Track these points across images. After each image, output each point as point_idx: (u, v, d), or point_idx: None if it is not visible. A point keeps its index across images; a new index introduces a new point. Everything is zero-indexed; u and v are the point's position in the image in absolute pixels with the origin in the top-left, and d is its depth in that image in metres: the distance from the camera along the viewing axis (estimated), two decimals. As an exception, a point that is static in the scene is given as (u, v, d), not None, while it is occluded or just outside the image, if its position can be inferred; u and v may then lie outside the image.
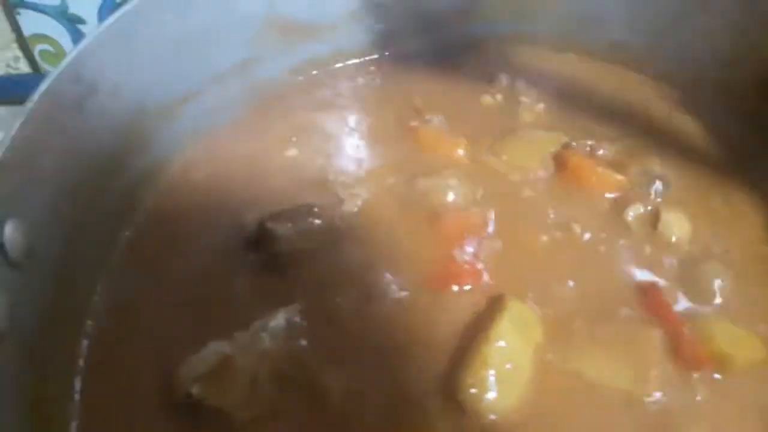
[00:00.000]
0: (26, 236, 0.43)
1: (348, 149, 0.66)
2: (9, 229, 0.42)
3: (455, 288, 0.55)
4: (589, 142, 0.65)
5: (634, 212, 0.60)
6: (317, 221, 0.58)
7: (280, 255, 0.56)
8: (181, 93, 0.61)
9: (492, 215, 0.59)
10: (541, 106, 0.69)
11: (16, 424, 0.43)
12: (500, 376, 0.49)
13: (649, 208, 0.61)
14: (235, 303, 0.55)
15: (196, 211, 0.60)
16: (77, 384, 0.51)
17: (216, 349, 0.49)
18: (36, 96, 0.44)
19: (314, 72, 0.72)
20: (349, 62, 0.73)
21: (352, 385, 0.50)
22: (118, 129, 0.54)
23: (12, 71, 1.04)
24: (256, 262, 0.57)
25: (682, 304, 0.55)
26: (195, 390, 0.47)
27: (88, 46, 0.48)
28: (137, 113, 0.56)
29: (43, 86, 0.45)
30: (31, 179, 0.44)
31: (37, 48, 1.00)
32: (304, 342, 0.52)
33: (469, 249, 0.56)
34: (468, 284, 0.55)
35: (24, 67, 1.05)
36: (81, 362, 0.52)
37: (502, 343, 0.50)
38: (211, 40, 0.60)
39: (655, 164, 0.64)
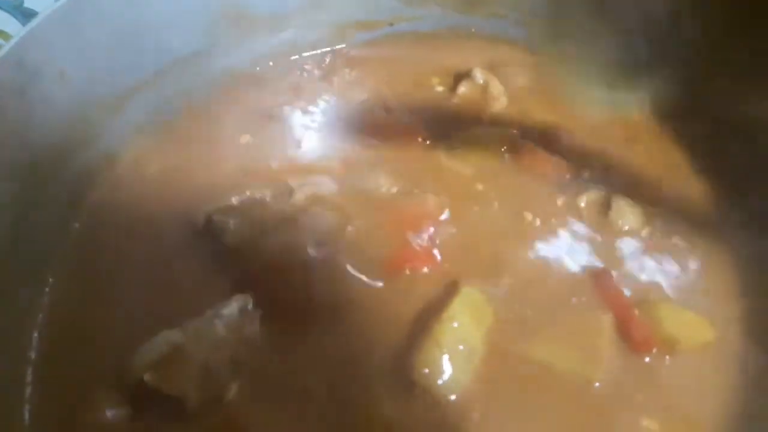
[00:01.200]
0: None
1: (302, 140, 0.66)
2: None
3: (409, 272, 0.55)
4: (543, 132, 0.66)
5: (586, 199, 0.61)
6: (266, 212, 0.58)
7: (230, 246, 0.56)
8: (132, 82, 0.60)
9: (447, 203, 0.59)
10: (503, 100, 0.70)
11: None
12: (453, 357, 0.49)
13: (602, 194, 0.62)
14: (188, 293, 0.54)
15: (147, 203, 0.59)
16: (29, 374, 0.50)
17: (168, 337, 0.49)
18: (-26, 82, 0.43)
19: (270, 63, 0.71)
20: (308, 53, 0.73)
21: (304, 370, 0.50)
22: (65, 118, 0.53)
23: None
24: (207, 253, 0.56)
25: (632, 289, 0.56)
26: (147, 377, 0.47)
27: (33, 30, 0.47)
28: (85, 102, 0.55)
29: (-19, 71, 0.44)
30: (-31, 165, 0.43)
31: (-9, 43, 0.98)
32: (257, 329, 0.52)
33: (425, 235, 0.57)
34: (422, 268, 0.55)
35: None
36: (33, 354, 0.51)
37: (454, 324, 0.50)
38: (165, 29, 0.60)
39: (607, 151, 0.65)
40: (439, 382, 0.48)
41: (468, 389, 0.49)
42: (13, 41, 0.46)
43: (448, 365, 0.49)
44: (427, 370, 0.49)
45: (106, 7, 0.53)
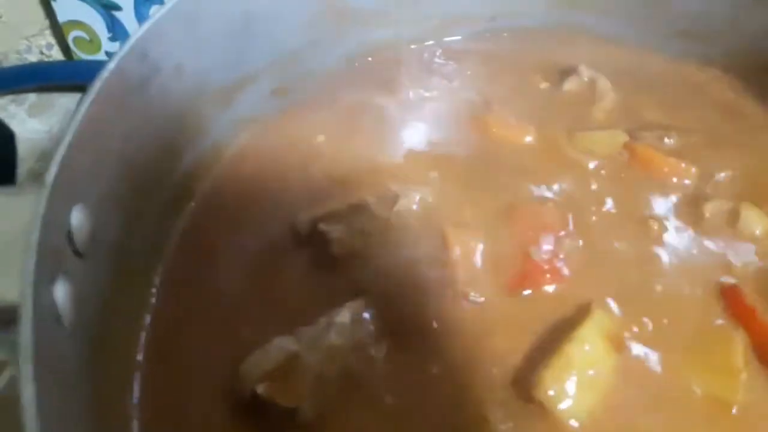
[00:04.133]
0: (91, 224, 0.41)
1: (406, 139, 0.63)
2: (76, 215, 0.39)
3: (532, 290, 0.52)
4: (658, 133, 0.62)
5: (711, 208, 0.57)
6: (370, 221, 0.55)
7: (337, 255, 0.53)
8: (239, 77, 0.59)
9: (569, 212, 0.55)
10: (611, 96, 0.66)
11: (77, 419, 0.40)
12: (581, 381, 0.46)
13: (727, 203, 0.57)
14: (295, 298, 0.52)
15: (249, 204, 0.57)
16: (137, 380, 0.48)
17: (282, 345, 0.47)
18: (104, 74, 0.42)
19: (369, 58, 0.69)
20: (407, 48, 0.70)
21: (417, 384, 0.47)
22: (178, 113, 0.52)
23: (45, 58, 1.03)
24: (313, 259, 0.54)
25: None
26: (261, 389, 0.44)
27: (156, 23, 0.46)
28: (197, 96, 0.54)
29: (111, 64, 0.42)
30: (97, 163, 0.42)
31: (71, 35, 0.98)
32: (369, 339, 0.49)
33: (547, 247, 0.53)
34: (546, 285, 0.52)
35: (57, 55, 1.03)
36: (140, 357, 0.49)
37: (586, 347, 0.47)
38: (271, 23, 0.58)
39: (726, 155, 0.61)
40: (562, 406, 0.45)
41: (593, 417, 0.45)
42: (137, 34, 0.44)
43: (575, 389, 0.45)
44: (552, 392, 0.45)
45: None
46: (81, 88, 0.95)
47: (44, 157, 0.87)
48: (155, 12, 0.45)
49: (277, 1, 0.57)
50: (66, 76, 0.97)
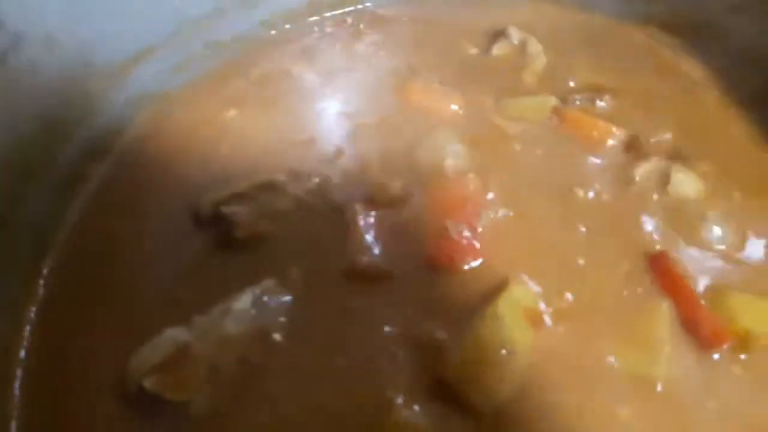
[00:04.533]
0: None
1: (323, 112, 0.60)
2: None
3: (449, 266, 0.49)
4: (590, 95, 0.60)
5: (641, 172, 0.55)
6: (280, 199, 0.52)
7: (241, 237, 0.51)
8: (134, 49, 0.55)
9: (490, 183, 0.53)
10: (541, 60, 0.63)
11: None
12: (494, 360, 0.43)
13: (659, 166, 0.55)
14: (194, 286, 0.49)
15: (148, 187, 0.54)
16: (18, 377, 0.45)
17: (172, 336, 0.44)
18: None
19: (287, 26, 0.65)
20: (328, 14, 0.67)
21: (321, 370, 0.45)
22: (58, 89, 0.48)
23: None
24: (215, 242, 0.51)
25: (696, 275, 0.49)
26: (147, 383, 0.42)
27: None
28: (82, 71, 0.50)
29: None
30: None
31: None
32: (272, 326, 0.46)
33: (466, 222, 0.50)
34: (464, 261, 0.49)
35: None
36: (22, 353, 0.46)
37: (500, 325, 0.44)
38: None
39: (660, 116, 0.59)
40: (473, 387, 0.42)
41: (506, 397, 0.43)
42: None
43: (487, 369, 0.43)
44: (462, 373, 0.43)
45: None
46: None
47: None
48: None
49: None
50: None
